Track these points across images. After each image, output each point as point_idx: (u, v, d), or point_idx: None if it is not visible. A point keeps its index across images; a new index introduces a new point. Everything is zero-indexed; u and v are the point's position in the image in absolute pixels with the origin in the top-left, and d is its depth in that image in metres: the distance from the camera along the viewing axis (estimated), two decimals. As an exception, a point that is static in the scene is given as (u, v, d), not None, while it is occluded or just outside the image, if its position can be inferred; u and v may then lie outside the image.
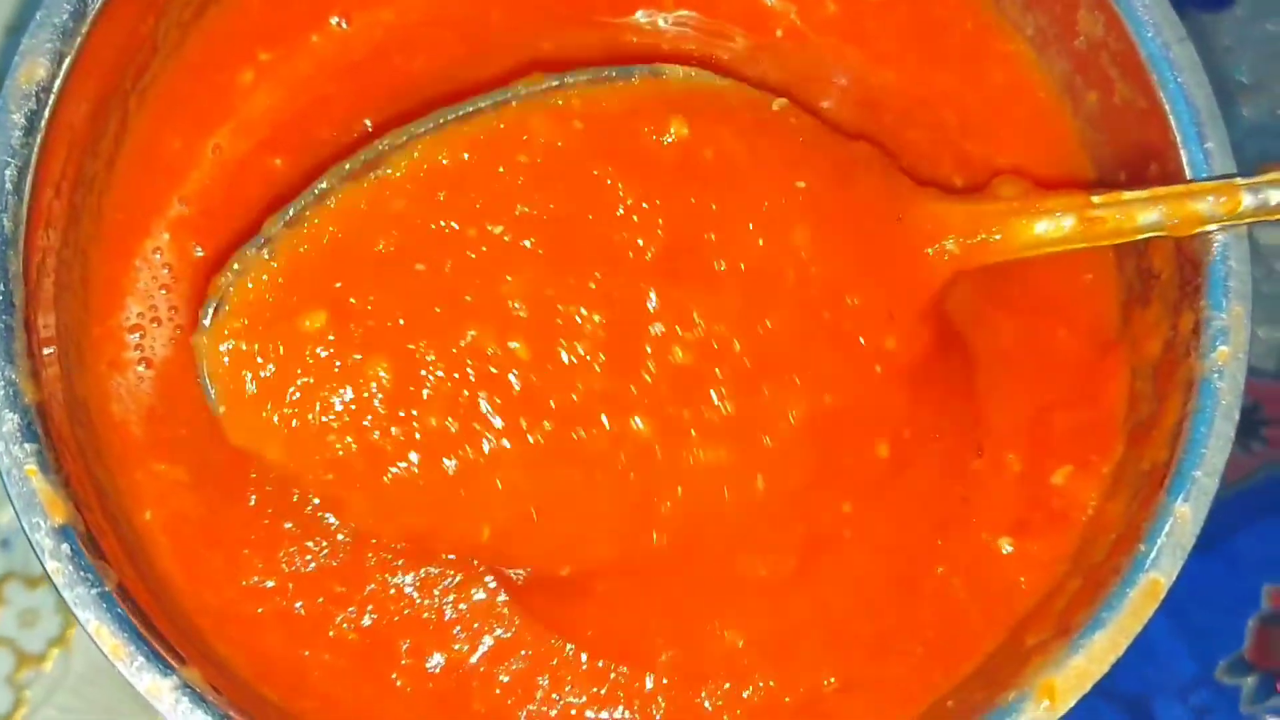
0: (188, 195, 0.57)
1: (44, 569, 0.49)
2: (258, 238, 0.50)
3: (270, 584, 0.55)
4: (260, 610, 0.54)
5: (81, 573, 0.49)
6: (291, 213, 0.50)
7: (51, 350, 0.53)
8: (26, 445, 0.50)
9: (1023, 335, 0.58)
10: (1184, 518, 0.52)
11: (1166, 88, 0.54)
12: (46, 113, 0.52)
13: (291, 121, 0.57)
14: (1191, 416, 0.52)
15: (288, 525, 0.55)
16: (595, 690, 0.55)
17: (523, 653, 0.55)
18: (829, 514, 0.55)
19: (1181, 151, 0.54)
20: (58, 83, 0.52)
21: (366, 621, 0.55)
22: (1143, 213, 0.53)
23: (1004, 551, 0.56)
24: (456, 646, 0.55)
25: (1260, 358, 0.73)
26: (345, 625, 0.55)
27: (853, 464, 0.54)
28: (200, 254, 0.57)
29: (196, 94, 0.57)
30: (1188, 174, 0.54)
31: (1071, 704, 0.50)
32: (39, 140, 0.52)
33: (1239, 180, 0.53)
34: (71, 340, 0.54)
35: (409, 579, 0.55)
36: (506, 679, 0.55)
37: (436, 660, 0.55)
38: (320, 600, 0.55)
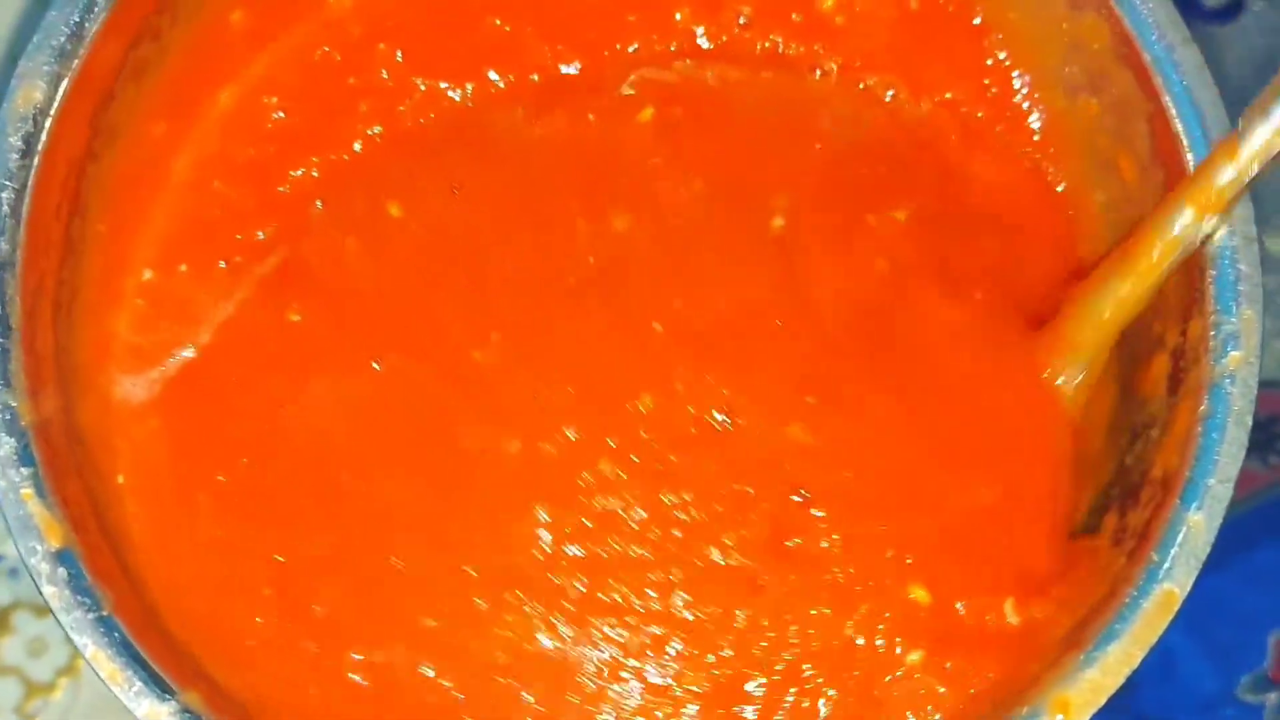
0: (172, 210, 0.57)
1: (40, 593, 0.49)
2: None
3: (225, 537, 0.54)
4: (223, 578, 0.54)
5: (78, 597, 0.49)
6: None
7: (50, 371, 0.52)
8: (23, 469, 0.50)
9: None
10: (1198, 527, 0.51)
11: (1172, 90, 0.54)
12: (44, 136, 0.52)
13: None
14: (1203, 423, 0.51)
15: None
16: None
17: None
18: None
19: (1188, 155, 0.54)
20: (55, 105, 0.52)
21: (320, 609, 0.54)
22: (1173, 218, 0.52)
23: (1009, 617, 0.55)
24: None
25: (1278, 370, 0.72)
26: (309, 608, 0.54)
27: None
28: (184, 270, 0.57)
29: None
30: (1194, 175, 0.54)
31: (1087, 718, 0.50)
32: (36, 163, 0.52)
33: (1232, 133, 0.51)
34: (69, 360, 0.54)
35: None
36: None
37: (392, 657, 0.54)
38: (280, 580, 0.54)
